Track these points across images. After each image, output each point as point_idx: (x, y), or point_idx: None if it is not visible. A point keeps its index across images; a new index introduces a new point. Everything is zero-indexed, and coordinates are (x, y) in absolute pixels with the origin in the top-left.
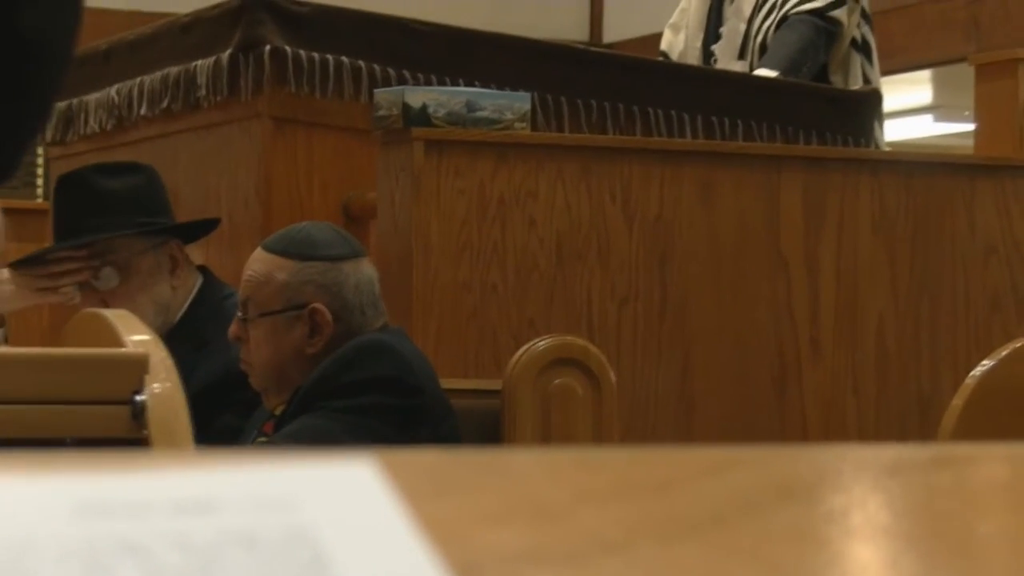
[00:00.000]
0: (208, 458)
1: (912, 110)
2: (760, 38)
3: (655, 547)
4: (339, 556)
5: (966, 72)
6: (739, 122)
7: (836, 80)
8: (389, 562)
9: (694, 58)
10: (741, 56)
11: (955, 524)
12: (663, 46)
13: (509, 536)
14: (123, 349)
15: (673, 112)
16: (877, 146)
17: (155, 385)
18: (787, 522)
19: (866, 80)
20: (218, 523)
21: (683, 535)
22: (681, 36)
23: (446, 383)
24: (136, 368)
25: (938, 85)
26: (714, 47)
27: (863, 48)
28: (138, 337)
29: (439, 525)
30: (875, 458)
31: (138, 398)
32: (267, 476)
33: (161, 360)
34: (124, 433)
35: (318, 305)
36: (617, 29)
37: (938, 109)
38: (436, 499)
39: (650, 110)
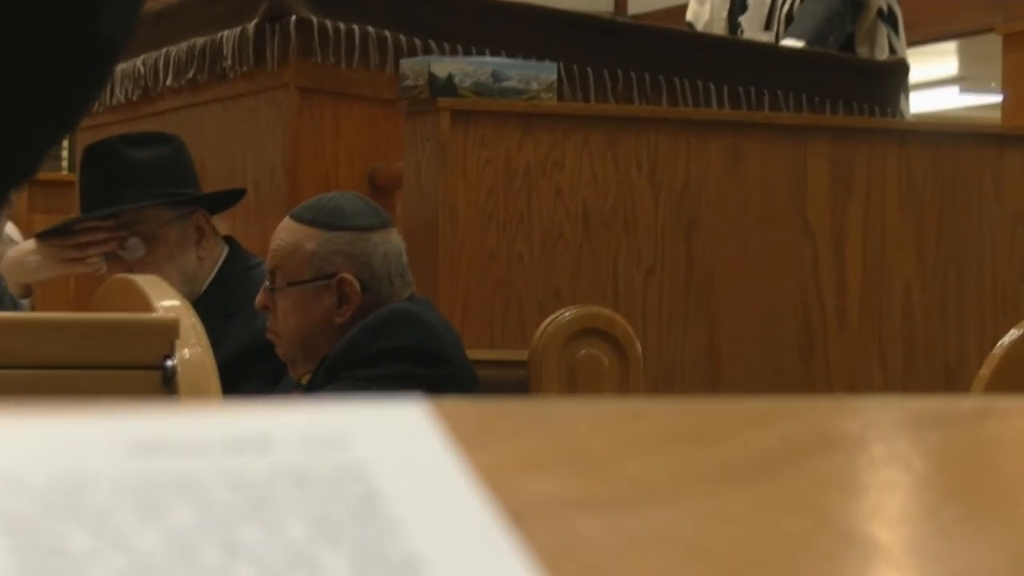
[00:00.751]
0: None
1: (938, 81)
2: (786, 8)
3: (701, 495)
4: (390, 494)
5: (992, 43)
6: (766, 92)
7: (862, 51)
8: (440, 500)
9: (720, 29)
10: (767, 27)
11: (998, 474)
12: (689, 16)
13: (556, 484)
14: (154, 314)
15: (699, 82)
16: (903, 117)
17: (185, 350)
18: (832, 470)
19: (892, 51)
20: (271, 461)
21: (729, 483)
22: (707, 6)
23: (472, 353)
24: (167, 333)
25: (964, 56)
26: (740, 18)
27: (889, 19)
28: (168, 302)
29: (486, 472)
30: (919, 409)
31: (169, 363)
32: (320, 417)
33: (191, 325)
34: (154, 397)
35: (346, 275)
36: (642, 0)
37: (964, 80)
38: (483, 447)
39: (676, 80)
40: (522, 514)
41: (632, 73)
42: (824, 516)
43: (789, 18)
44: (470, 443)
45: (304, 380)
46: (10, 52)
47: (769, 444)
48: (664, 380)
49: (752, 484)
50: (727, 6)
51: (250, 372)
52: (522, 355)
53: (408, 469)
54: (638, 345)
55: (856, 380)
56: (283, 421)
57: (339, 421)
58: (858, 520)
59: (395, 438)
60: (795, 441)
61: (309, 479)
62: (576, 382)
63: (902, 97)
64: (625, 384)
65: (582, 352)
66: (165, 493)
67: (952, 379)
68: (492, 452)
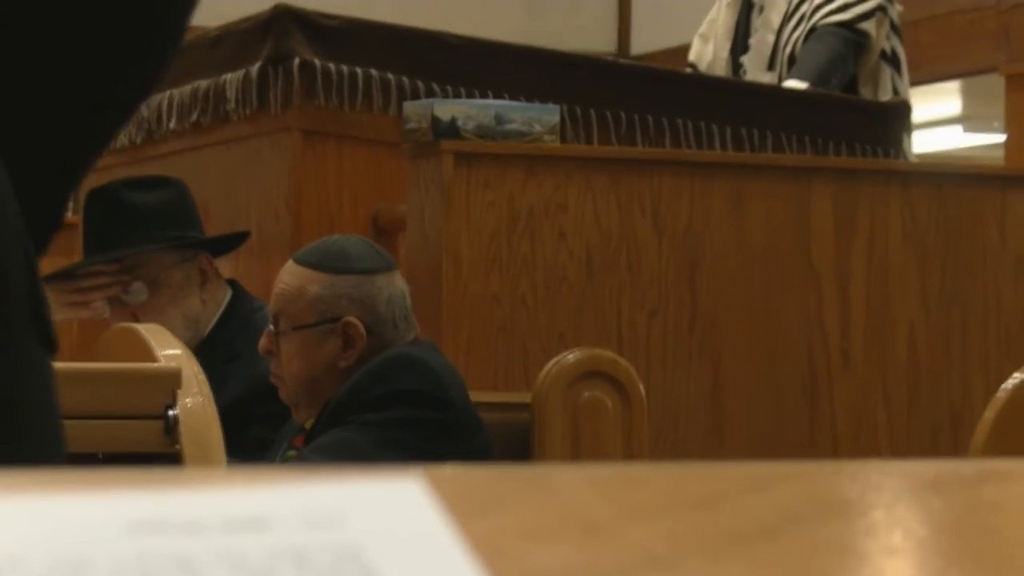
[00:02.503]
0: (255, 476)
1: (941, 121)
2: (789, 49)
3: (703, 562)
4: (388, 572)
5: (996, 82)
6: (768, 133)
7: (865, 92)
8: None
9: (721, 68)
10: (770, 67)
11: (999, 540)
12: (691, 57)
13: (557, 552)
14: (156, 364)
15: (702, 123)
16: (906, 157)
17: (187, 399)
18: (833, 537)
19: (895, 92)
20: (269, 541)
21: (730, 550)
22: (709, 47)
23: (476, 396)
24: (169, 382)
25: (967, 95)
26: (743, 58)
27: (892, 60)
28: (171, 351)
29: (486, 542)
30: (918, 473)
31: (171, 412)
32: (317, 494)
33: (194, 374)
34: (156, 448)
35: (351, 319)
36: (645, 41)
37: (967, 120)
38: (482, 516)
39: (679, 121)
40: None
41: (635, 115)
42: None
43: (791, 59)
44: (468, 512)
45: (308, 424)
46: (78, 31)
47: (770, 509)
48: (668, 422)
49: (753, 549)
50: (728, 46)
51: (254, 415)
52: (526, 398)
53: (405, 547)
54: (641, 387)
55: (860, 421)
56: (280, 498)
57: (336, 498)
58: None
59: (393, 515)
60: (795, 506)
61: (307, 558)
62: (580, 425)
63: (905, 137)
64: (629, 427)
65: (586, 395)
66: (164, 573)
67: (956, 421)
68: (491, 521)
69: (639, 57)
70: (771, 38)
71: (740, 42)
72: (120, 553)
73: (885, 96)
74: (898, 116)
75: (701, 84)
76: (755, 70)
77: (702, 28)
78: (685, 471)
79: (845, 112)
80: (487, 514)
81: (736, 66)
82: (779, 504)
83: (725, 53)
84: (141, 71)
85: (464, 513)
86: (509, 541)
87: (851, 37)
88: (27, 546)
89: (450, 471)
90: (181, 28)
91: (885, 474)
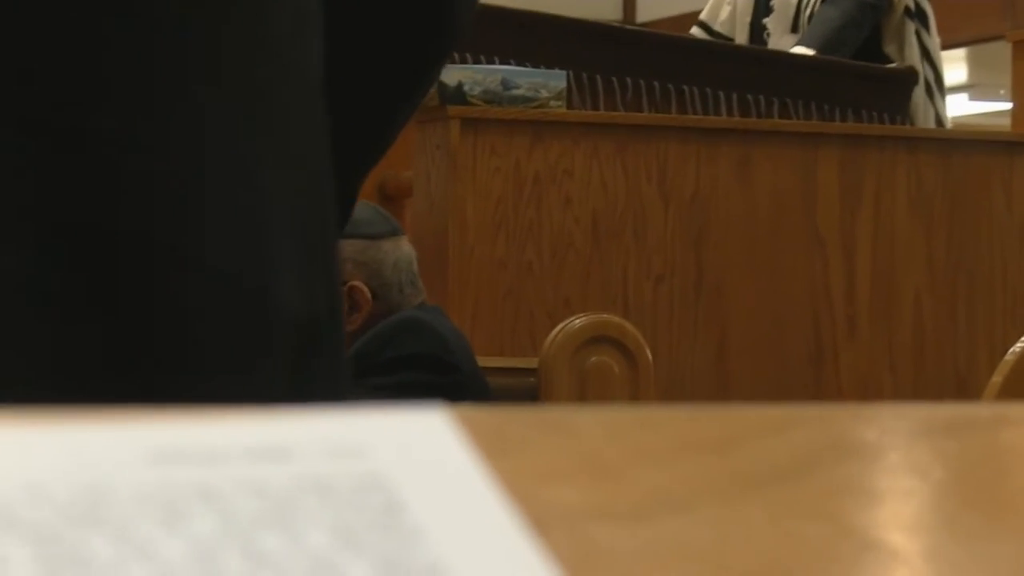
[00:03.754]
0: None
1: (948, 88)
2: (809, 11)
3: (718, 504)
4: (412, 502)
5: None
6: (775, 100)
7: (891, 50)
8: (462, 508)
9: (743, 32)
10: (794, 29)
11: (1015, 482)
12: (704, 15)
13: (574, 493)
14: None
15: (709, 90)
16: (940, 119)
17: None
18: (849, 478)
19: (923, 48)
20: (292, 470)
21: (745, 492)
22: (727, 10)
23: (482, 361)
24: None
25: (973, 64)
26: (766, 20)
27: (918, 15)
28: None
29: (504, 481)
30: (934, 416)
31: None
32: (341, 425)
33: None
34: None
35: (357, 283)
36: (651, 8)
37: (973, 88)
38: (501, 455)
39: (686, 88)
40: (541, 522)
41: (641, 81)
42: (841, 524)
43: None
44: (487, 451)
45: None
46: (387, 33)
47: (785, 452)
48: (674, 388)
49: (768, 493)
50: (751, 11)
51: None
52: (532, 363)
53: (429, 477)
54: (648, 353)
55: (866, 388)
56: (304, 429)
57: (360, 429)
58: (875, 528)
59: (416, 446)
60: (811, 449)
61: (330, 488)
62: (586, 390)
63: (938, 98)
64: (635, 392)
65: (592, 360)
66: (187, 502)
67: (962, 387)
68: (509, 460)
69: (644, 24)
70: (793, 0)
71: (763, 4)
72: (142, 481)
73: (911, 52)
74: (904, 82)
75: (708, 50)
76: (778, 32)
77: None
78: (700, 415)
79: (852, 78)
80: (504, 453)
81: (760, 28)
82: (794, 447)
83: (747, 17)
84: (436, 67)
85: (482, 452)
86: (527, 481)
87: (867, 1)
88: (48, 474)
89: (468, 411)
90: (466, 25)
91: (901, 417)
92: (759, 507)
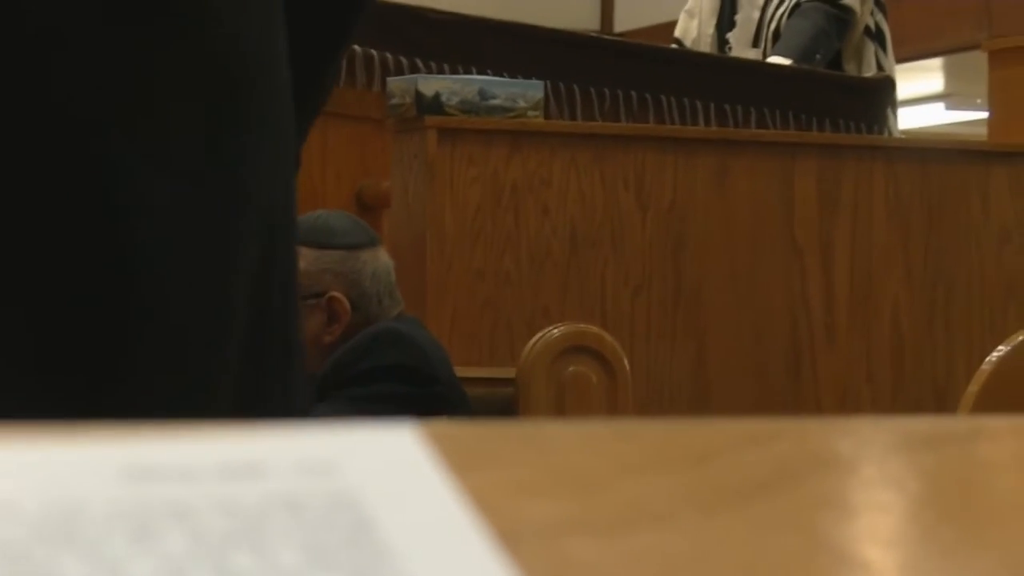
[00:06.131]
0: (249, 427)
1: (924, 98)
2: (774, 26)
3: (697, 517)
4: (383, 520)
5: (978, 60)
6: (752, 110)
7: (850, 68)
8: (432, 526)
9: (706, 45)
10: (755, 44)
11: (991, 495)
12: (677, 32)
13: (549, 507)
14: None
15: (686, 100)
16: (891, 133)
17: None
18: (826, 491)
19: (880, 68)
20: (263, 488)
21: (725, 505)
22: (695, 23)
23: (460, 371)
24: None
25: (950, 73)
26: (728, 35)
27: (877, 36)
28: None
29: (478, 495)
30: (912, 429)
31: None
32: (311, 442)
33: None
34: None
35: (336, 293)
36: (628, 18)
37: (950, 97)
38: (474, 470)
39: (663, 97)
40: (515, 537)
41: (619, 91)
42: (818, 537)
43: (776, 35)
44: (461, 466)
45: None
46: None
47: (762, 465)
48: (652, 397)
49: (746, 505)
50: (713, 22)
51: None
52: (510, 373)
53: (400, 494)
54: (626, 362)
55: (844, 397)
56: (274, 446)
57: (330, 446)
58: (852, 541)
59: (387, 463)
60: (788, 462)
61: (301, 505)
62: (564, 400)
63: (890, 113)
64: (614, 402)
65: (570, 369)
66: (158, 519)
67: (940, 396)
68: (483, 475)
69: (622, 35)
70: (756, 15)
71: (727, 19)
72: (115, 498)
73: (869, 71)
74: (881, 92)
75: (685, 60)
76: (740, 47)
77: (688, 4)
78: (677, 428)
79: (829, 88)
80: (479, 469)
81: (722, 43)
82: (773, 459)
83: (711, 29)
84: (355, 27)
85: (455, 466)
86: (502, 495)
87: (835, 13)
88: (20, 492)
89: (442, 426)
90: None
91: (879, 430)
92: (736, 520)
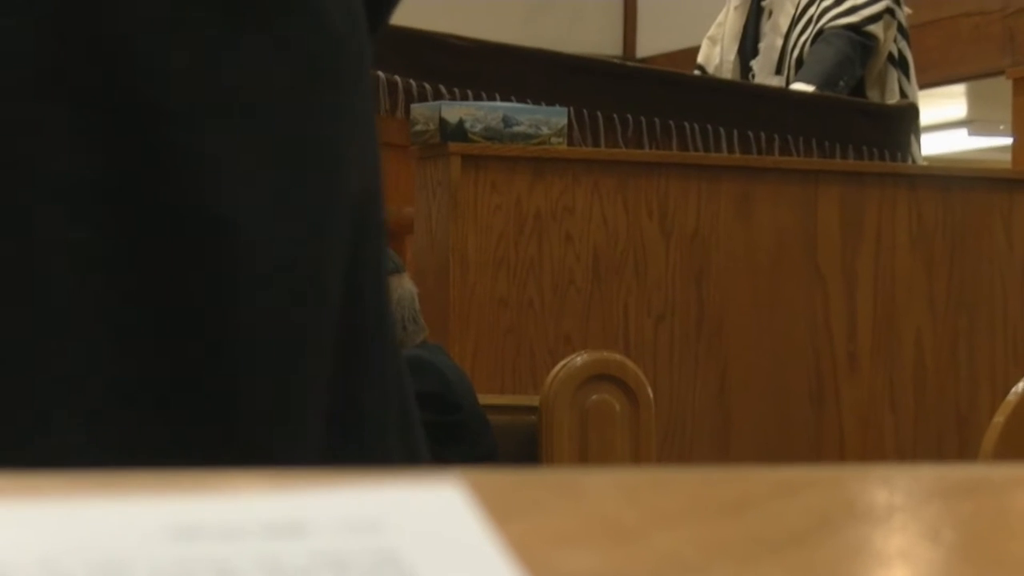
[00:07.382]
0: (294, 478)
1: (947, 124)
2: (796, 53)
3: (733, 568)
4: None
5: (1001, 86)
6: (776, 136)
7: (873, 95)
8: None
9: (728, 71)
10: (778, 71)
11: None
12: (700, 59)
13: (588, 558)
14: None
15: (710, 127)
16: (914, 160)
17: None
18: (863, 542)
19: (903, 95)
20: (308, 546)
21: (760, 556)
22: (717, 49)
23: (484, 399)
24: None
25: (973, 99)
26: (752, 62)
27: (900, 63)
28: None
29: (518, 546)
30: (948, 477)
31: None
32: (355, 498)
33: None
34: None
35: None
36: (651, 44)
37: (973, 123)
38: (514, 519)
39: (687, 124)
40: None
41: (642, 117)
42: None
43: (799, 62)
44: (499, 515)
45: None
46: None
47: (798, 514)
48: (675, 425)
49: (782, 556)
50: (735, 49)
51: None
52: (533, 400)
53: (445, 552)
54: (649, 390)
55: (867, 425)
56: (319, 503)
57: (375, 503)
58: None
59: (431, 518)
60: (825, 511)
61: (346, 564)
62: (587, 427)
63: (913, 140)
64: (636, 430)
65: (593, 397)
66: None
67: (963, 425)
68: (522, 525)
69: (644, 60)
70: (779, 42)
71: (749, 46)
72: (159, 558)
73: (892, 98)
74: (905, 119)
75: (708, 87)
76: (764, 74)
77: (711, 31)
78: (712, 476)
79: (852, 115)
80: (519, 519)
81: (746, 70)
82: (808, 509)
83: (732, 56)
84: None
85: (495, 517)
86: (541, 546)
87: (858, 40)
88: (63, 550)
89: (482, 474)
90: None
91: (914, 478)
92: (773, 571)
